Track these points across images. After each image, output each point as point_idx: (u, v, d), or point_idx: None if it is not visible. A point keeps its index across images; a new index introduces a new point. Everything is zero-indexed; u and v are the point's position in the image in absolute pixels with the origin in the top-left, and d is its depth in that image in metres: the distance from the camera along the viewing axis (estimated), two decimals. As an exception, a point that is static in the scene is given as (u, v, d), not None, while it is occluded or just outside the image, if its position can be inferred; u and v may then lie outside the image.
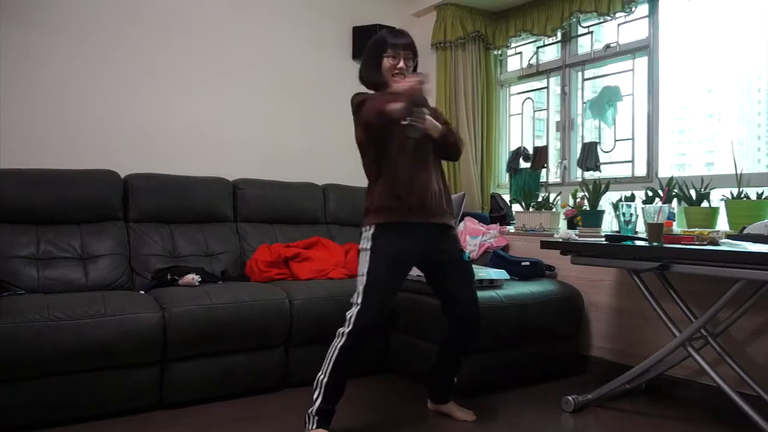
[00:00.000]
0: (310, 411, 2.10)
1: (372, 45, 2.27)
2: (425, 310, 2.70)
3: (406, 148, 2.13)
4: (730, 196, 2.64)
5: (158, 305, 2.42)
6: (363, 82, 2.32)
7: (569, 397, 2.45)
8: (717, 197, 2.75)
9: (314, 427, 2.08)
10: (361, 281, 2.10)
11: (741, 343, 2.48)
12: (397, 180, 2.13)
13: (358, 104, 2.15)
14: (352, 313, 2.09)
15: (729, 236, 2.35)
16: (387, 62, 2.21)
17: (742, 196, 2.60)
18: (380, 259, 2.11)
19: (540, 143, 3.83)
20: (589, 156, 3.42)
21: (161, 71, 3.37)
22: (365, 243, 2.14)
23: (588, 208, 3.10)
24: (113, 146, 3.21)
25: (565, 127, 3.69)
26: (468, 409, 2.38)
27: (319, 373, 2.11)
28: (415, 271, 2.87)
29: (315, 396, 2.10)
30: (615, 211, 2.92)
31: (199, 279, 2.75)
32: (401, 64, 2.22)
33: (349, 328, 2.07)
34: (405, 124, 1.97)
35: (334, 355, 2.08)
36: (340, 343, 2.08)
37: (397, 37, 2.22)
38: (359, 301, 2.09)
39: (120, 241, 2.93)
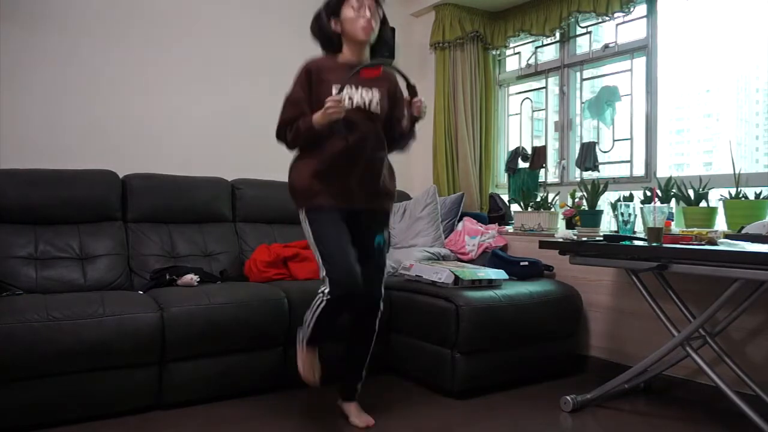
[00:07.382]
0: (301, 336, 2.12)
1: None
2: (425, 310, 2.71)
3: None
4: (728, 196, 2.64)
5: (157, 305, 2.41)
6: (316, 35, 2.15)
7: (568, 397, 2.46)
8: (715, 197, 2.76)
9: (305, 345, 2.11)
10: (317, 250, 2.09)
11: (739, 342, 2.49)
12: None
13: (286, 102, 2.14)
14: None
15: (727, 236, 2.36)
16: (349, 11, 2.04)
17: (741, 196, 2.60)
18: (321, 224, 2.12)
19: (538, 143, 3.84)
20: (588, 156, 3.42)
21: (160, 71, 3.36)
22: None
23: (586, 208, 3.11)
24: (112, 146, 3.20)
25: (564, 127, 3.69)
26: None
27: (308, 312, 2.10)
28: (413, 271, 2.90)
29: (306, 326, 2.11)
30: (613, 211, 2.93)
31: (198, 279, 2.75)
32: (367, 13, 2.02)
33: (328, 297, 2.03)
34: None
35: (317, 313, 2.05)
36: (322, 305, 2.04)
37: None
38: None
39: (119, 241, 2.93)
